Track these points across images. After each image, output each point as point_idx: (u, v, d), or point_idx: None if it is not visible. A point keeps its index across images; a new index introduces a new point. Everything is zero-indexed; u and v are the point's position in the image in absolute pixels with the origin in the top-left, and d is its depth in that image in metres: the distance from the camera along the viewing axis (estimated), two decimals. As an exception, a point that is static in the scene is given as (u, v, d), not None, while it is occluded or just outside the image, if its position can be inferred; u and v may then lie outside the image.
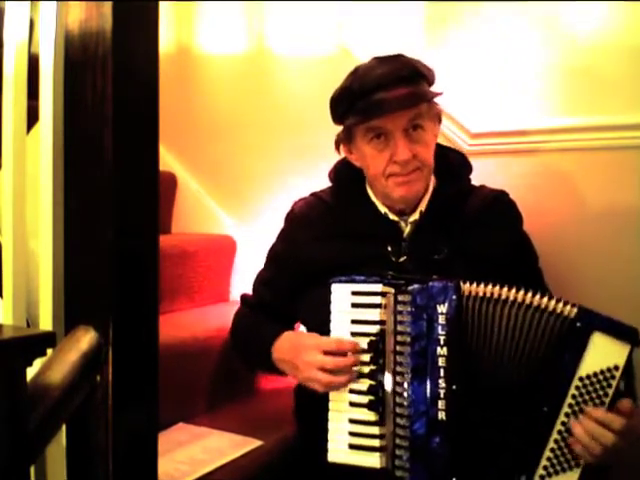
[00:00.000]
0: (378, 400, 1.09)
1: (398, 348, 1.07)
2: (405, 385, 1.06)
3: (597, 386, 0.99)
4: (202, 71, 2.10)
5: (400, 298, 1.08)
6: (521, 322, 1.04)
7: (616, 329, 0.99)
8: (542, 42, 1.50)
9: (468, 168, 1.31)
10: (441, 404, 1.03)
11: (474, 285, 1.06)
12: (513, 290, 1.05)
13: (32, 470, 0.84)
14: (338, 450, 1.10)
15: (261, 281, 1.41)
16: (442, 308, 1.05)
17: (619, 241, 1.42)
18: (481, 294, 1.06)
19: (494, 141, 1.57)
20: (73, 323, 0.82)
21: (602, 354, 0.99)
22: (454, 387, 1.03)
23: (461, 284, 1.06)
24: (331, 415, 1.12)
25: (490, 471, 1.03)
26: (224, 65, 2.04)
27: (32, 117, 0.89)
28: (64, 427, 0.84)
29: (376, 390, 1.09)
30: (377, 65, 1.20)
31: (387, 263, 1.21)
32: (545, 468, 1.00)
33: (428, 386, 1.04)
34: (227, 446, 1.31)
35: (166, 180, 2.10)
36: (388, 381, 1.09)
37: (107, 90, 0.77)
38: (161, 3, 0.82)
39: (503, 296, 1.05)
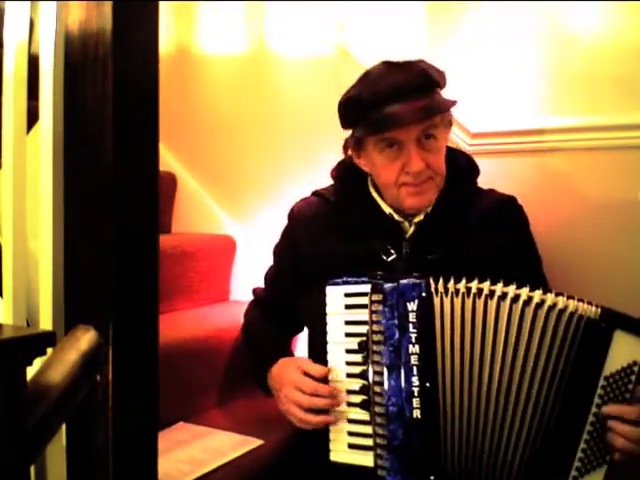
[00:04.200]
0: (369, 399, 1.09)
1: (374, 348, 1.07)
2: (383, 383, 1.06)
3: (620, 383, 1.00)
4: (202, 71, 2.09)
5: (374, 297, 1.08)
6: (517, 319, 1.01)
7: (635, 326, 0.99)
8: (542, 42, 1.50)
9: (476, 171, 1.30)
10: (416, 402, 1.03)
11: (451, 282, 1.05)
12: (507, 286, 1.03)
13: (32, 470, 0.84)
14: (339, 450, 1.11)
15: (269, 278, 1.44)
16: (412, 306, 1.05)
17: (618, 241, 1.42)
18: (463, 290, 1.04)
19: (494, 141, 1.57)
20: (73, 323, 0.81)
21: (623, 351, 0.99)
22: (427, 385, 1.02)
23: (431, 281, 1.05)
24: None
25: (515, 471, 1.03)
26: (224, 65, 2.04)
27: (32, 117, 0.89)
28: (64, 427, 0.84)
29: (367, 389, 1.09)
30: (388, 72, 1.18)
31: (379, 262, 1.20)
32: (577, 469, 1.00)
33: (403, 384, 1.04)
34: (227, 445, 1.31)
35: (166, 180, 2.10)
36: (371, 380, 1.09)
37: (107, 90, 0.77)
38: (161, 3, 0.82)
39: (486, 291, 1.03)
